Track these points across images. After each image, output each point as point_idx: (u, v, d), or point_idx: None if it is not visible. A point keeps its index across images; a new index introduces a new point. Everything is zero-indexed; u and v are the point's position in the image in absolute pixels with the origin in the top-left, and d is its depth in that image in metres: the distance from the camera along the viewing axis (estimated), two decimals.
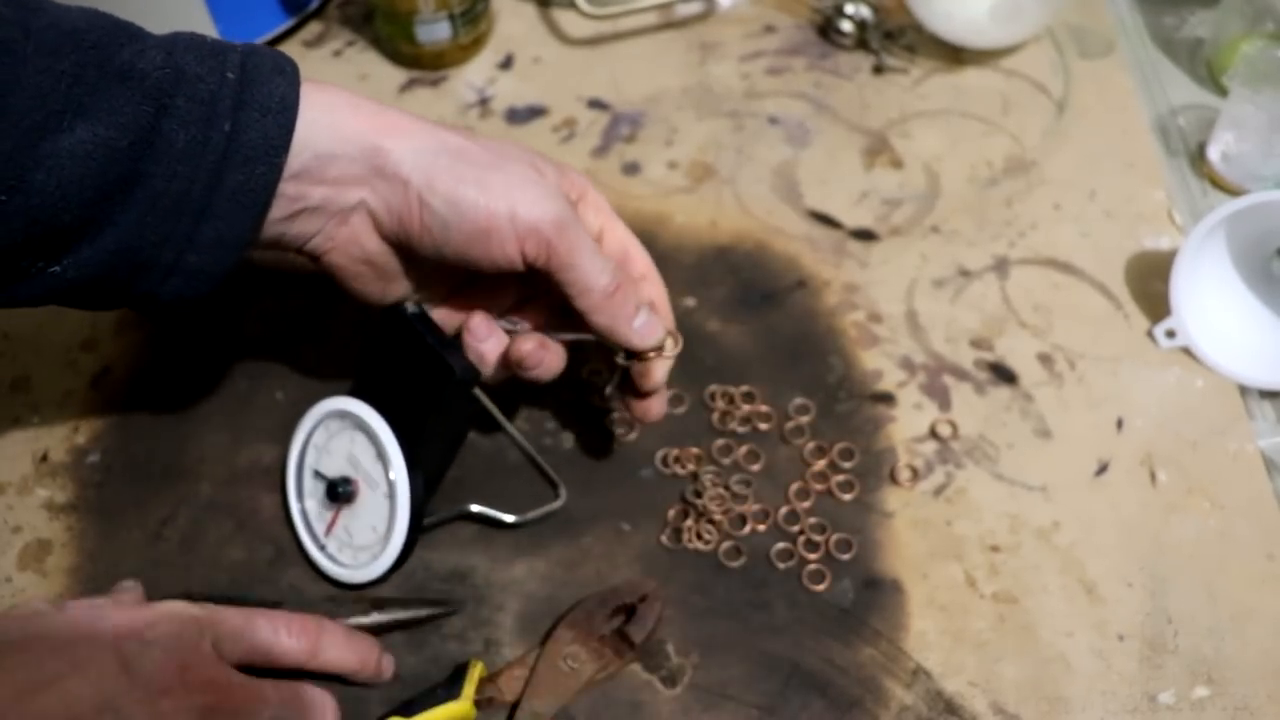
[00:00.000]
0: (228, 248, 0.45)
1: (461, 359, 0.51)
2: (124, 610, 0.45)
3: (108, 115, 0.41)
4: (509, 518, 0.56)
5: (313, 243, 0.48)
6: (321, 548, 0.55)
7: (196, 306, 0.47)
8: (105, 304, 0.47)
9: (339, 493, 0.54)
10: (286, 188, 0.46)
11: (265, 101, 0.44)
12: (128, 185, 0.43)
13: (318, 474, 0.56)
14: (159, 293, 0.46)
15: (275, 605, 0.54)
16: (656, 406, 0.54)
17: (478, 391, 0.53)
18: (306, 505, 0.56)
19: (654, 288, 0.54)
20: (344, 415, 0.55)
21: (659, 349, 0.50)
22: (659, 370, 0.52)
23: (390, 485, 0.53)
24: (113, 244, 0.44)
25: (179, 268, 0.45)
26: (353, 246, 0.49)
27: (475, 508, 0.56)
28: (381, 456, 0.53)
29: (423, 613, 0.54)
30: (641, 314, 0.50)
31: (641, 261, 0.54)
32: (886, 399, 0.62)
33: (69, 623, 0.43)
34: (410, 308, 0.52)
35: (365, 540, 0.54)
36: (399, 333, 0.52)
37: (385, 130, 0.46)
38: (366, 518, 0.54)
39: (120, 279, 0.45)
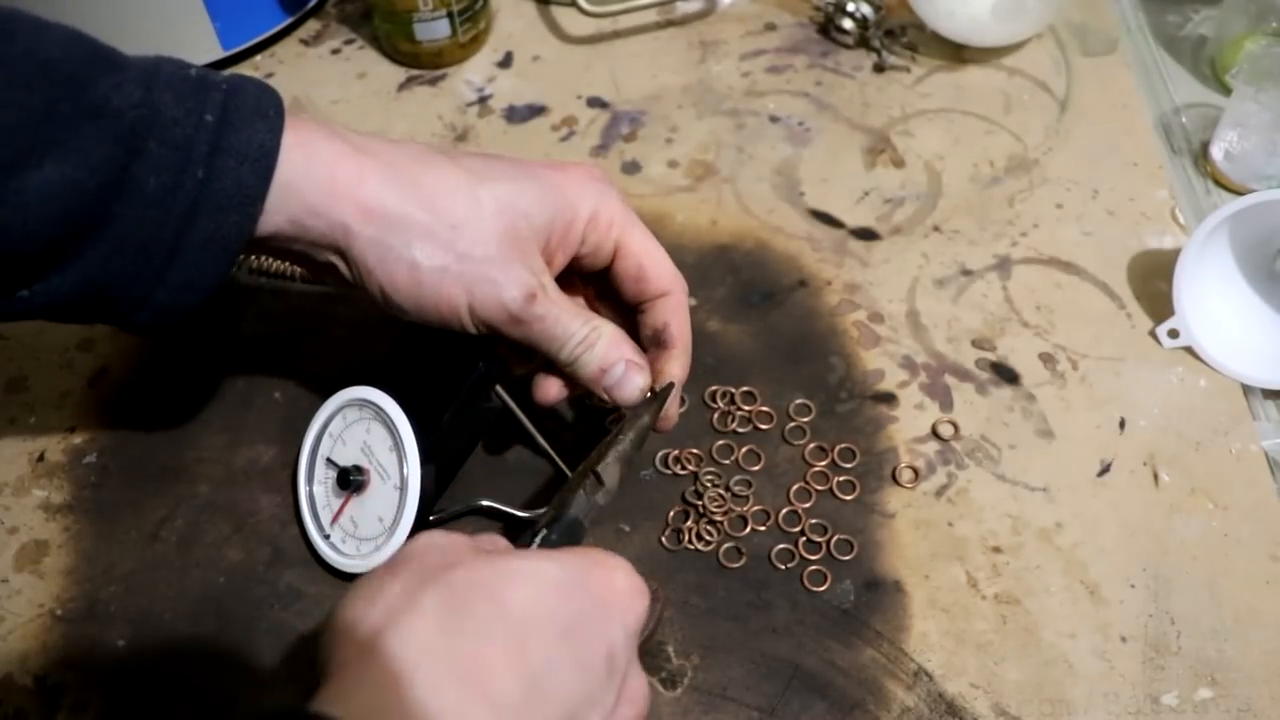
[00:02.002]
0: (197, 290, 0.44)
1: (490, 353, 0.51)
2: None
3: (78, 155, 0.40)
4: (522, 514, 0.56)
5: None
6: (325, 536, 0.55)
7: (174, 330, 0.46)
8: (81, 322, 0.46)
9: (350, 481, 0.54)
10: (261, 235, 0.45)
11: (243, 148, 0.43)
12: (95, 225, 0.42)
13: (330, 461, 0.55)
14: (130, 321, 0.45)
15: (271, 608, 0.54)
16: (669, 418, 0.53)
17: (500, 389, 0.53)
18: (315, 491, 0.56)
19: (672, 303, 0.51)
20: (364, 404, 0.54)
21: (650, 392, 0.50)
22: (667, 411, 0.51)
23: (403, 478, 0.53)
24: (80, 277, 0.43)
25: (148, 303, 0.44)
26: (336, 276, 0.48)
27: (486, 502, 0.56)
28: (397, 448, 0.53)
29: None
30: (615, 370, 0.49)
31: (659, 279, 0.51)
32: (888, 399, 0.61)
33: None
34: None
35: (371, 531, 0.54)
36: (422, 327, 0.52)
37: (357, 204, 0.44)
38: (374, 508, 0.54)
39: (90, 307, 0.44)
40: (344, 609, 0.37)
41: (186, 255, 0.43)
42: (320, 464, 0.56)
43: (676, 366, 0.51)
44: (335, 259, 0.46)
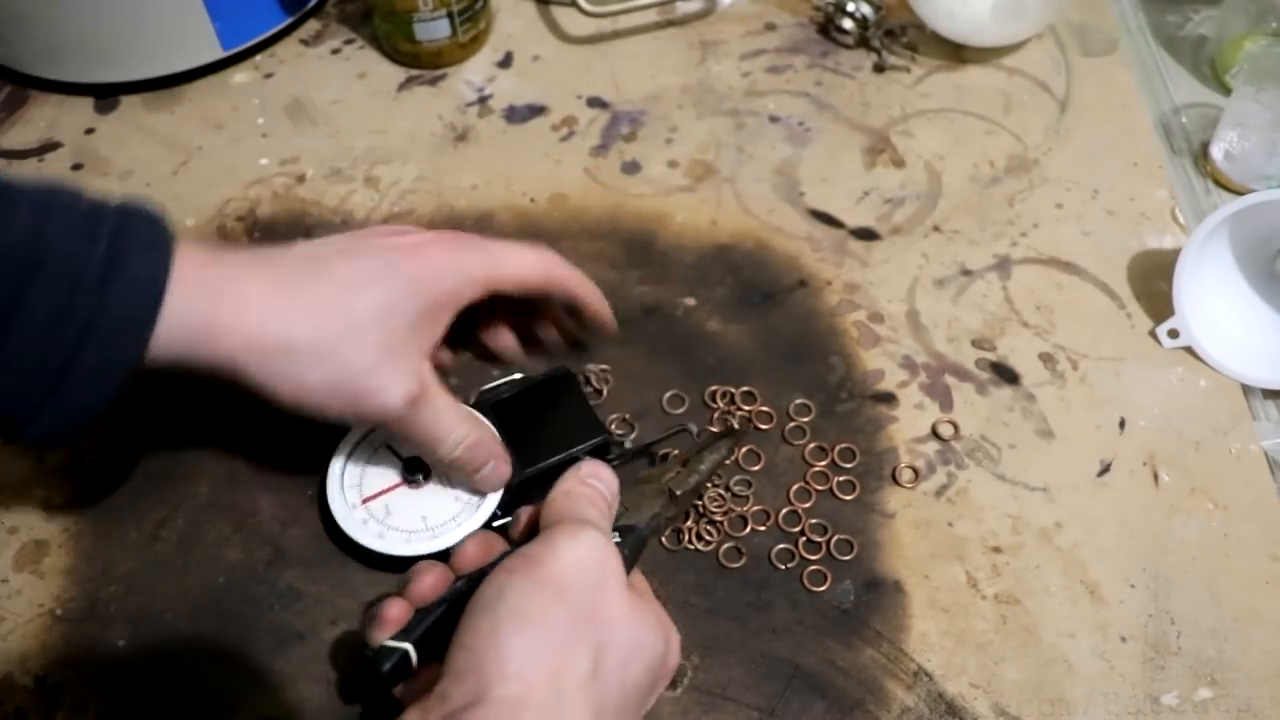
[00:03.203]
0: (84, 412, 0.45)
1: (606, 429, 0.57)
2: None
3: None
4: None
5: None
6: (350, 506, 0.55)
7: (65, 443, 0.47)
8: None
9: (411, 475, 0.55)
10: (150, 360, 0.45)
11: (133, 279, 0.44)
12: None
13: (390, 448, 0.56)
14: (17, 436, 0.46)
15: (271, 608, 0.54)
16: (606, 321, 0.56)
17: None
18: (359, 466, 0.56)
19: (562, 285, 0.54)
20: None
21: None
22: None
23: (473, 497, 0.55)
24: None
25: (35, 422, 0.45)
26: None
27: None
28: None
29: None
30: (486, 469, 0.53)
31: (541, 284, 0.53)
32: (888, 399, 0.61)
33: None
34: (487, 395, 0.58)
35: (407, 524, 0.54)
36: (557, 384, 0.58)
37: (241, 337, 0.46)
38: (422, 507, 0.54)
39: None
40: (519, 635, 0.40)
41: (74, 381, 0.44)
42: (370, 444, 0.56)
43: (598, 312, 0.55)
44: (227, 377, 0.48)
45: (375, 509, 0.55)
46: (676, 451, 0.58)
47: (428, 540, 0.53)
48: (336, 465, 0.56)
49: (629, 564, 0.46)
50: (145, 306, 0.44)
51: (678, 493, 0.52)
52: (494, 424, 0.55)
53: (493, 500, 0.54)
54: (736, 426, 0.59)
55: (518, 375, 0.59)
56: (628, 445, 0.59)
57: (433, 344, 0.51)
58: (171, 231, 0.46)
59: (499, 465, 0.54)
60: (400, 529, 0.54)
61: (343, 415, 0.49)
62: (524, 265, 0.52)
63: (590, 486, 0.47)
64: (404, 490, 0.55)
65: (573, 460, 0.55)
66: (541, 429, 0.57)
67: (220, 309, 0.46)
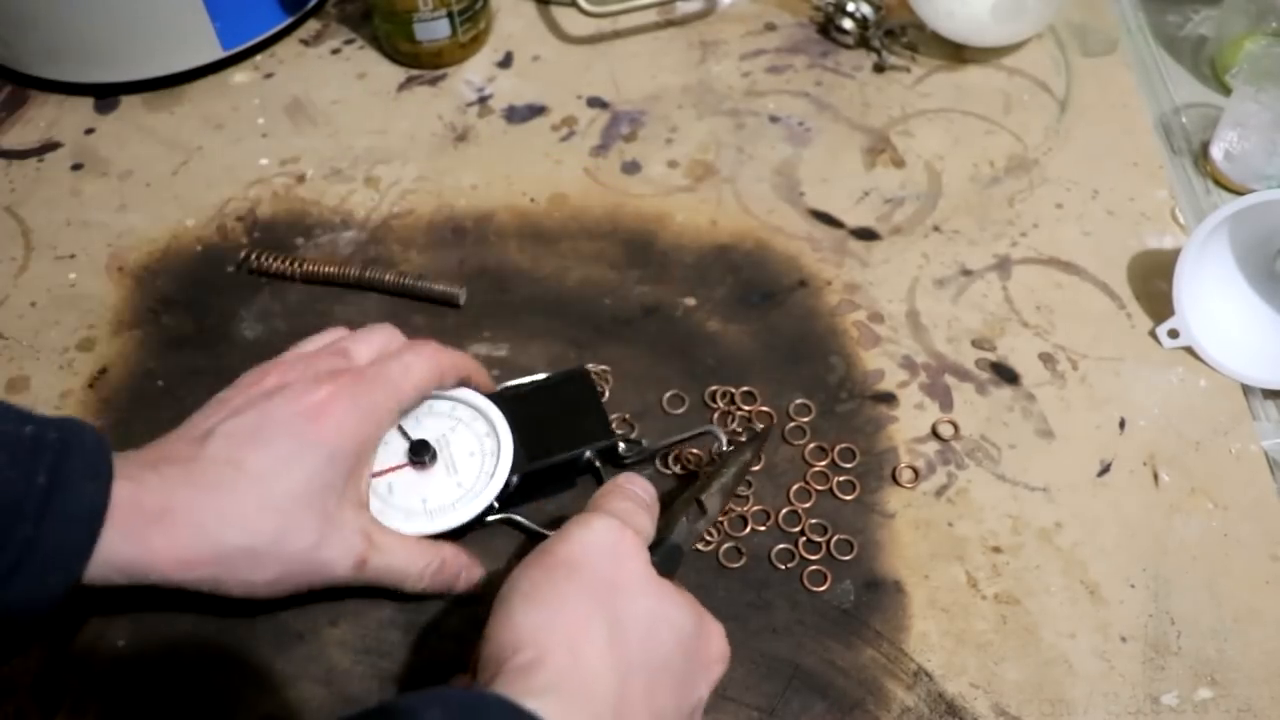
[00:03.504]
0: (17, 631, 0.46)
1: (612, 433, 0.57)
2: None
3: None
4: (546, 531, 0.56)
5: None
6: None
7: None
8: None
9: (419, 457, 0.55)
10: (88, 582, 0.46)
11: (72, 510, 0.44)
12: None
13: (401, 429, 0.56)
14: None
15: (271, 608, 0.54)
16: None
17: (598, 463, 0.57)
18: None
19: (452, 372, 0.56)
20: (464, 407, 0.57)
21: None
22: None
23: (474, 485, 0.55)
24: None
25: None
26: None
27: (518, 517, 0.57)
28: (483, 458, 0.55)
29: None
30: (459, 581, 0.54)
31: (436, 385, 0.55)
32: (888, 399, 0.61)
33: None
34: (499, 391, 0.58)
35: (407, 504, 0.54)
36: (571, 384, 0.59)
37: (176, 560, 0.47)
38: (423, 490, 0.55)
39: None
40: (529, 607, 0.42)
41: (7, 605, 0.44)
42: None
43: (480, 380, 0.58)
44: (170, 585, 0.48)
45: (379, 486, 0.55)
46: (696, 450, 0.59)
47: (424, 521, 0.54)
48: None
49: (665, 574, 0.47)
50: (83, 537, 0.45)
51: (703, 499, 0.52)
52: (507, 417, 0.56)
53: (492, 491, 0.54)
54: (759, 430, 0.59)
55: (540, 376, 0.60)
56: (644, 442, 0.59)
57: (363, 490, 0.52)
58: (111, 458, 0.46)
59: (468, 572, 0.54)
60: (399, 508, 0.54)
61: (300, 591, 0.50)
62: (426, 381, 0.54)
63: (624, 489, 0.49)
64: (409, 471, 0.55)
65: (579, 460, 0.56)
66: (551, 426, 0.57)
67: (151, 535, 0.46)
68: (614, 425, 0.60)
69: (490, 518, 0.56)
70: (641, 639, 0.42)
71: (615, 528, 0.45)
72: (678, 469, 0.59)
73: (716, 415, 0.61)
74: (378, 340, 0.55)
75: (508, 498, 0.56)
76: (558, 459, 0.56)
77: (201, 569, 0.47)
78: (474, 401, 0.57)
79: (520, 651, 0.40)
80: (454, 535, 0.55)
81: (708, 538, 0.56)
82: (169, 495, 0.47)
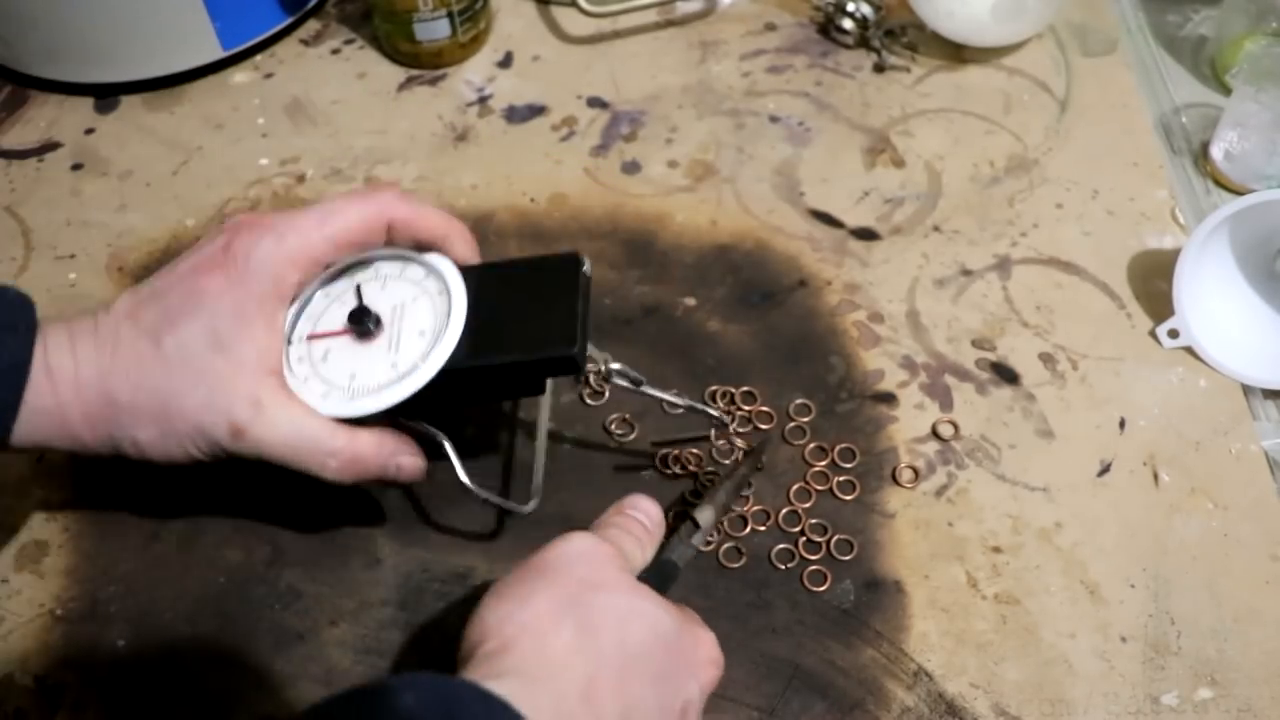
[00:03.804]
0: None
1: (583, 350, 0.49)
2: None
3: None
4: (466, 478, 0.52)
5: None
6: (298, 338, 0.51)
7: None
8: None
9: (359, 325, 0.50)
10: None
11: None
12: None
13: (359, 291, 0.51)
14: None
15: (271, 608, 0.54)
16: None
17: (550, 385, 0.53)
18: (328, 300, 0.52)
19: (401, 219, 0.51)
20: (437, 277, 0.51)
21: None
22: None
23: (408, 369, 0.49)
24: None
25: None
26: None
27: (480, 492, 0.52)
28: (430, 340, 0.50)
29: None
30: (390, 466, 0.51)
31: (436, 232, 0.52)
32: (888, 399, 0.61)
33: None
34: (588, 269, 0.51)
35: (332, 377, 0.50)
36: (559, 274, 0.51)
37: (82, 414, 0.47)
38: (353, 365, 0.50)
39: None
40: (497, 603, 0.42)
41: None
42: (352, 277, 0.52)
43: (459, 249, 0.53)
44: (84, 450, 0.49)
45: (315, 350, 0.51)
46: (696, 451, 0.59)
47: (340, 402, 0.49)
48: (310, 287, 0.52)
49: (658, 589, 0.46)
50: (6, 394, 0.45)
51: (696, 515, 0.51)
52: (471, 297, 0.50)
53: (415, 384, 0.49)
54: (752, 447, 0.58)
55: (534, 256, 0.54)
56: (632, 378, 0.53)
57: (271, 349, 0.49)
58: (33, 317, 0.47)
59: (403, 461, 0.51)
60: (324, 380, 0.50)
61: (193, 461, 0.49)
62: (349, 231, 0.50)
63: (627, 515, 0.48)
64: (348, 341, 0.50)
65: (525, 368, 0.50)
66: (511, 318, 0.50)
67: (59, 389, 0.47)
68: (612, 425, 0.59)
69: (407, 420, 0.50)
70: (612, 631, 0.42)
71: (594, 540, 0.45)
72: (677, 469, 0.59)
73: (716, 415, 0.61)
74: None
75: (437, 395, 0.49)
76: (498, 361, 0.49)
77: (101, 428, 0.47)
78: (445, 273, 0.51)
79: (486, 642, 0.41)
80: (396, 422, 0.50)
81: (708, 538, 0.56)
82: (74, 351, 0.47)
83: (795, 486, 0.58)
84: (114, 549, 0.57)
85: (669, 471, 0.59)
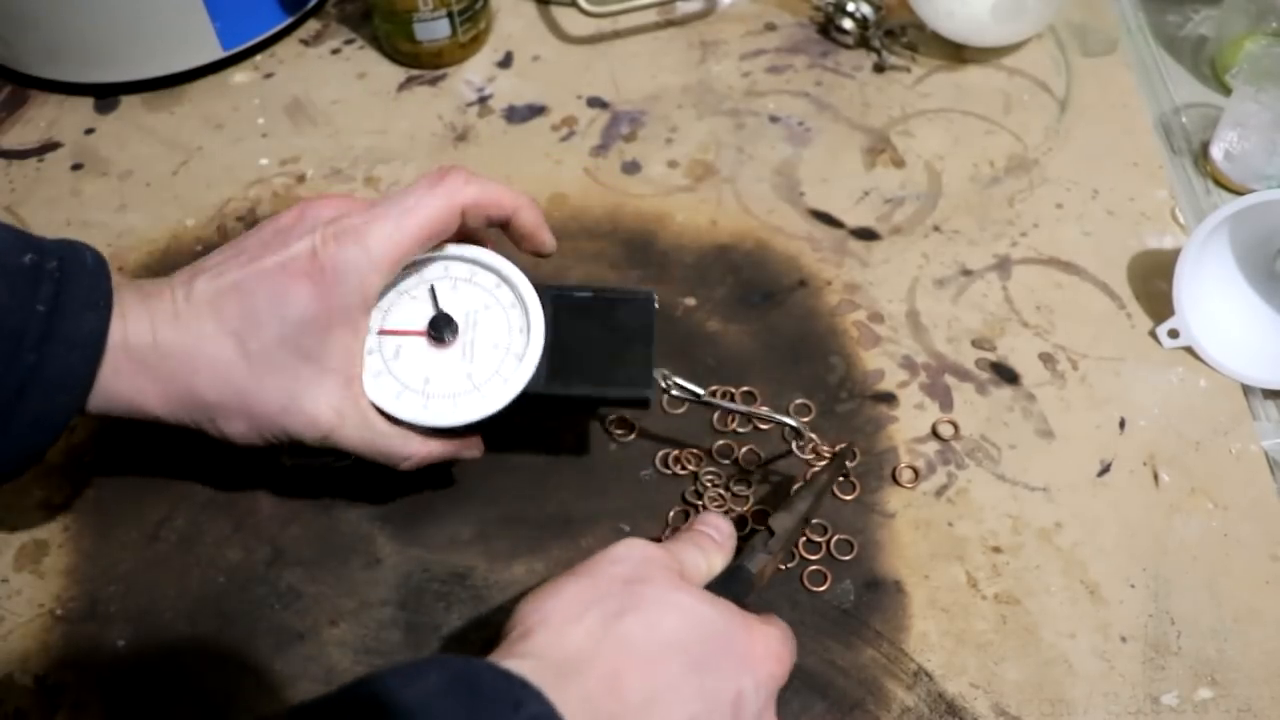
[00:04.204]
0: (22, 460, 0.48)
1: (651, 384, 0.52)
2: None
3: None
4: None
5: None
6: (366, 351, 0.51)
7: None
8: None
9: (437, 334, 0.51)
10: (90, 411, 0.48)
11: (73, 336, 0.46)
12: None
13: (434, 293, 0.52)
14: None
15: (271, 608, 0.54)
16: (544, 241, 0.54)
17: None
18: (399, 294, 0.52)
19: (526, 213, 0.53)
20: (510, 288, 0.52)
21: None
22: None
23: (488, 379, 0.51)
24: None
25: None
26: None
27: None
28: (509, 352, 0.51)
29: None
30: (461, 454, 0.54)
31: (506, 207, 0.52)
32: (888, 399, 0.61)
33: None
34: (657, 305, 0.53)
35: (407, 377, 0.51)
36: (633, 311, 0.53)
37: (160, 399, 0.49)
38: (427, 368, 0.51)
39: None
40: (534, 595, 0.43)
41: (11, 433, 0.46)
42: (424, 276, 0.52)
43: (526, 218, 0.53)
44: (159, 421, 0.50)
45: (387, 345, 0.51)
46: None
47: (416, 407, 0.50)
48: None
49: (736, 598, 0.47)
50: (82, 368, 0.46)
51: (770, 523, 0.50)
52: (547, 321, 0.52)
53: (498, 403, 0.51)
54: (835, 452, 0.57)
55: (603, 286, 0.55)
56: (698, 392, 0.54)
57: (354, 353, 0.50)
58: (109, 290, 0.48)
59: (470, 453, 0.54)
60: (398, 379, 0.51)
61: (276, 445, 0.51)
62: (436, 219, 0.50)
63: (694, 529, 0.49)
64: (421, 341, 0.51)
65: (598, 401, 0.52)
66: (589, 351, 0.52)
67: (139, 373, 0.48)
68: (611, 424, 0.59)
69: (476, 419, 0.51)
70: (642, 620, 0.42)
71: (645, 545, 0.46)
72: (677, 468, 0.59)
73: (717, 415, 0.61)
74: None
75: (506, 410, 0.51)
76: (577, 393, 0.51)
77: (181, 413, 0.49)
78: (520, 287, 0.52)
79: (513, 630, 0.42)
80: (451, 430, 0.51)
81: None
82: (155, 334, 0.48)
83: (795, 486, 0.58)
84: (114, 549, 0.57)
85: (669, 471, 0.59)
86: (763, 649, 0.44)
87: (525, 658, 0.40)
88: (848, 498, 0.58)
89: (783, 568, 0.55)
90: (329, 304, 0.48)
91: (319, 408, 0.49)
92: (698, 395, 0.54)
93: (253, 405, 0.49)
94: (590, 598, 0.43)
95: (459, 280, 0.53)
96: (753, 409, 0.57)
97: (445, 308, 0.52)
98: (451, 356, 0.51)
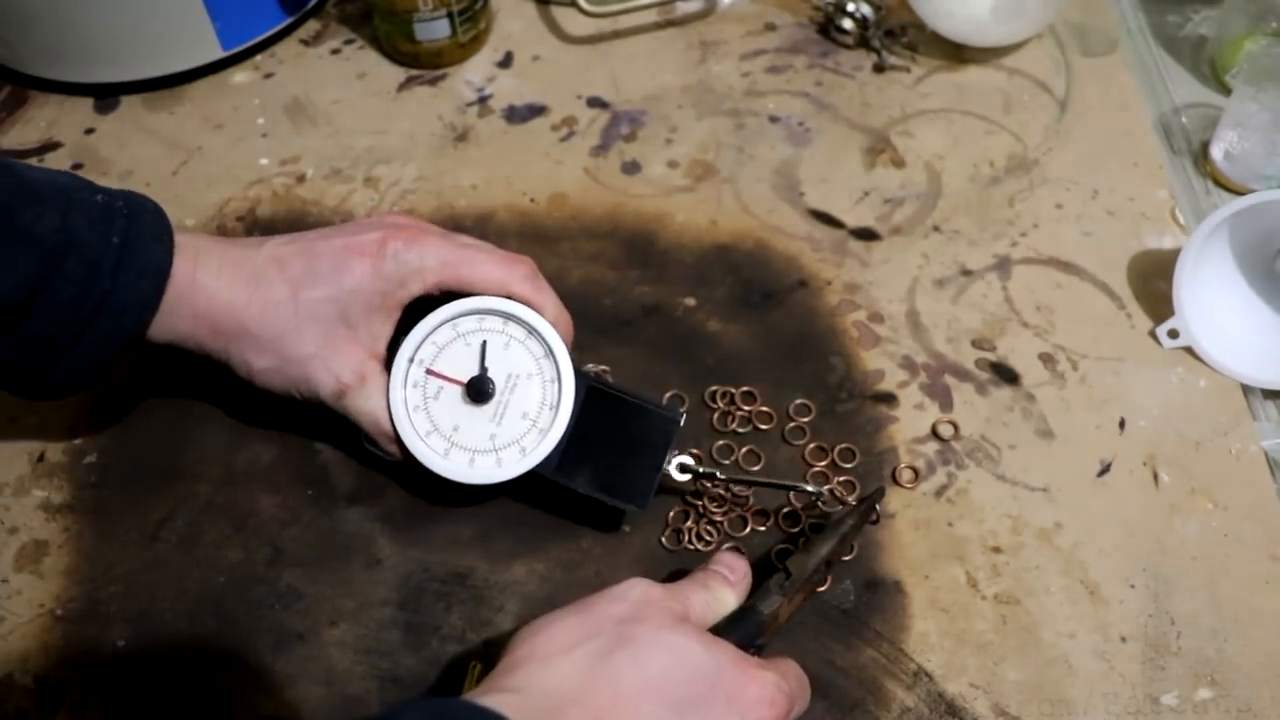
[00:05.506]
0: (88, 374, 0.53)
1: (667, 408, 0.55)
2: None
3: (6, 272, 0.49)
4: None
5: None
6: (409, 361, 0.54)
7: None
8: None
9: (475, 395, 0.53)
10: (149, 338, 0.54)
11: (142, 265, 0.52)
12: (15, 322, 0.50)
13: (483, 350, 0.54)
14: (25, 391, 0.54)
15: (271, 608, 0.54)
16: (565, 325, 0.57)
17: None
18: (452, 334, 0.55)
19: (518, 289, 0.55)
20: (553, 364, 0.54)
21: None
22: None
23: (506, 445, 0.53)
24: None
25: (44, 380, 0.53)
26: None
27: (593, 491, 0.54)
28: (541, 432, 0.53)
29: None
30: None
31: (488, 286, 0.55)
32: (888, 399, 0.61)
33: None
34: (682, 422, 0.55)
35: (438, 420, 0.54)
36: (655, 426, 0.55)
37: (210, 325, 0.54)
38: (458, 417, 0.54)
39: None
40: (527, 629, 0.44)
41: (84, 348, 0.52)
42: (473, 321, 0.55)
43: (550, 313, 0.56)
44: (201, 352, 0.55)
45: (430, 385, 0.54)
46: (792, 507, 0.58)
47: (438, 451, 0.53)
48: (444, 312, 0.54)
49: (745, 640, 0.47)
50: (149, 292, 0.52)
51: (788, 563, 0.50)
52: (580, 399, 0.54)
53: (509, 473, 0.53)
54: (863, 498, 0.55)
55: (638, 391, 0.56)
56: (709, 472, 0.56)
57: (381, 338, 0.55)
58: (169, 226, 0.54)
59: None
60: (428, 419, 0.54)
61: (290, 395, 0.55)
62: (487, 279, 0.55)
63: (708, 569, 0.50)
64: (460, 392, 0.54)
65: (594, 503, 0.54)
66: (601, 450, 0.54)
67: (198, 299, 0.53)
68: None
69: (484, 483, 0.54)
70: (631, 658, 0.42)
71: (647, 585, 0.46)
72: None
73: (716, 415, 0.61)
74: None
75: (516, 482, 0.54)
76: (573, 486, 0.54)
77: (225, 339, 0.54)
78: (562, 367, 0.54)
79: (501, 662, 0.43)
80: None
81: (707, 538, 0.56)
82: (219, 274, 0.54)
83: (818, 524, 0.58)
84: (114, 549, 0.57)
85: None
86: (756, 692, 0.43)
87: (508, 692, 0.40)
88: (848, 498, 0.58)
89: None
90: (380, 287, 0.54)
91: (343, 366, 0.54)
92: (711, 477, 0.56)
93: (286, 346, 0.54)
94: (582, 634, 0.43)
95: (513, 339, 0.55)
96: (769, 480, 0.57)
97: (491, 363, 0.54)
98: (483, 414, 0.54)
